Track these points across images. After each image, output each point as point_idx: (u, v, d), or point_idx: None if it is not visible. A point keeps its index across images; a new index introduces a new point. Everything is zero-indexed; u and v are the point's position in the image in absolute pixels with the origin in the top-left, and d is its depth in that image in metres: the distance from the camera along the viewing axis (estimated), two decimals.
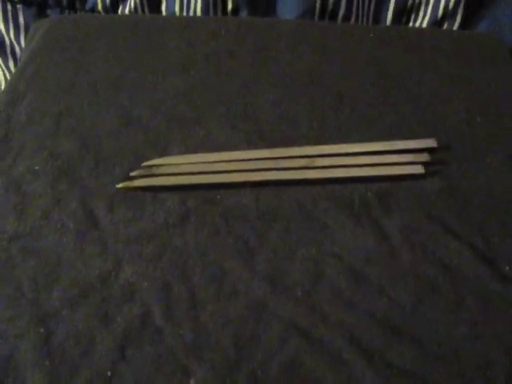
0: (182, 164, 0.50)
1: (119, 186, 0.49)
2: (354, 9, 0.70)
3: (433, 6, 0.69)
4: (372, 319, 0.41)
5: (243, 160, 0.49)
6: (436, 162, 0.51)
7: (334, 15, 0.70)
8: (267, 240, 0.46)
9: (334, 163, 0.49)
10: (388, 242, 0.46)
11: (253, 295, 0.43)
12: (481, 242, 0.46)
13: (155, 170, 0.49)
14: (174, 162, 0.50)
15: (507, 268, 0.44)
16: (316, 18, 0.70)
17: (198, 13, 0.70)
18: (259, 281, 0.43)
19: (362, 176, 0.49)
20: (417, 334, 0.41)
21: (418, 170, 0.49)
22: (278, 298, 0.42)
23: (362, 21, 0.71)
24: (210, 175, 0.49)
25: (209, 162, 0.50)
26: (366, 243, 0.46)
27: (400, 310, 0.42)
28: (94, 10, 0.75)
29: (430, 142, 0.51)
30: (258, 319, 0.41)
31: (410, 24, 0.71)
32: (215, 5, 0.70)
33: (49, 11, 0.76)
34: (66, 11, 0.75)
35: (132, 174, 0.49)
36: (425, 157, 0.50)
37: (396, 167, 0.49)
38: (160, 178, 0.49)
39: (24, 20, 0.75)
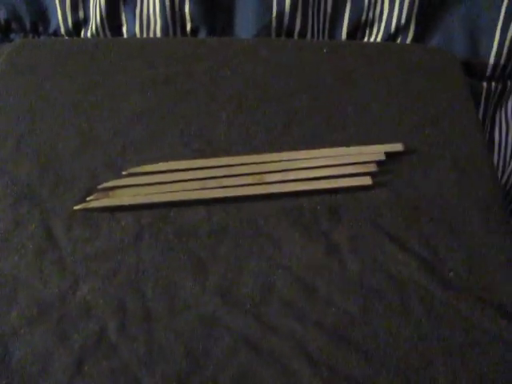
0: (137, 185, 0.51)
1: (77, 207, 0.50)
2: (310, 25, 0.71)
3: (386, 21, 0.71)
4: (320, 329, 0.43)
5: (195, 179, 0.51)
6: (384, 172, 0.52)
7: (290, 32, 0.72)
8: (218, 255, 0.47)
9: (284, 178, 0.50)
10: (336, 254, 0.47)
11: (204, 309, 0.44)
12: (426, 251, 0.47)
13: (110, 192, 0.50)
14: (129, 183, 0.51)
15: (450, 274, 0.46)
16: (273, 35, 0.71)
17: (158, 33, 0.72)
18: (210, 295, 0.44)
19: (311, 189, 0.51)
20: (363, 342, 0.42)
21: (366, 181, 0.51)
22: (228, 312, 0.43)
23: (318, 37, 0.73)
24: (163, 194, 0.50)
25: (162, 183, 0.51)
26: (315, 255, 0.47)
27: (348, 319, 0.43)
28: (56, 33, 0.76)
29: (379, 155, 0.53)
30: (209, 332, 0.43)
31: (365, 39, 0.73)
32: (174, 25, 0.71)
33: (12, 35, 0.77)
34: (30, 35, 0.77)
35: (88, 198, 0.50)
36: (373, 167, 0.52)
37: (344, 179, 0.51)
38: (115, 198, 0.50)
39: None
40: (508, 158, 0.82)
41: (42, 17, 0.75)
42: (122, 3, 0.72)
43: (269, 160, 0.52)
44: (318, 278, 0.46)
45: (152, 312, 0.44)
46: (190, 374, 0.40)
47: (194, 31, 0.72)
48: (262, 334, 0.42)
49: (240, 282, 0.45)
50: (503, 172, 0.81)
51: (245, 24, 0.71)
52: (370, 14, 0.71)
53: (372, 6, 0.71)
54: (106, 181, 0.52)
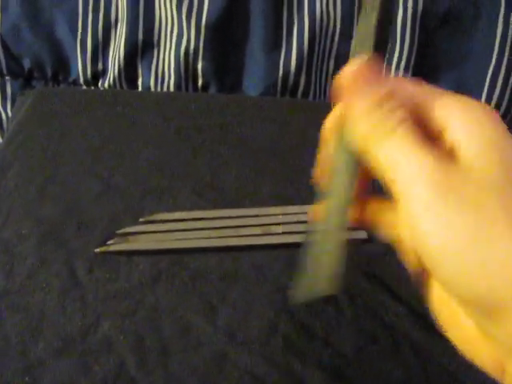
0: (154, 231, 0.55)
1: (98, 250, 0.53)
2: (312, 85, 0.77)
3: None
4: (318, 367, 0.46)
5: (208, 228, 0.55)
6: None
7: (294, 91, 0.77)
8: (228, 298, 0.51)
9: (288, 230, 0.55)
10: (334, 301, 0.51)
11: (215, 347, 0.47)
12: (415, 301, 0.52)
13: (130, 236, 0.54)
14: (147, 229, 0.55)
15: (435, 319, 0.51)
16: (278, 93, 0.77)
17: (171, 88, 0.76)
18: (220, 334, 0.48)
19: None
20: (357, 380, 0.46)
21: (362, 235, 0.56)
22: (236, 350, 0.47)
23: (320, 96, 0.78)
24: (178, 241, 0.54)
25: (177, 230, 0.55)
26: (314, 301, 0.51)
27: (343, 359, 0.47)
28: (75, 82, 0.81)
29: None
30: (219, 368, 0.46)
31: None
32: (187, 81, 0.76)
33: (34, 82, 0.82)
34: (50, 83, 0.81)
35: (109, 242, 0.54)
36: None
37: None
38: (133, 243, 0.54)
39: (11, 90, 0.81)
40: None
41: (63, 66, 0.79)
42: (139, 58, 0.76)
43: (274, 213, 0.56)
44: (317, 322, 0.49)
45: (168, 348, 0.47)
46: None
47: (205, 87, 0.77)
48: (266, 371, 0.46)
49: (247, 324, 0.49)
50: None
51: (252, 82, 0.76)
52: None
53: None
54: (125, 226, 0.55)
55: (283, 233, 0.55)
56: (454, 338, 0.28)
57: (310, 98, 0.77)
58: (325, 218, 0.33)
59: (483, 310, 0.24)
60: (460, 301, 0.25)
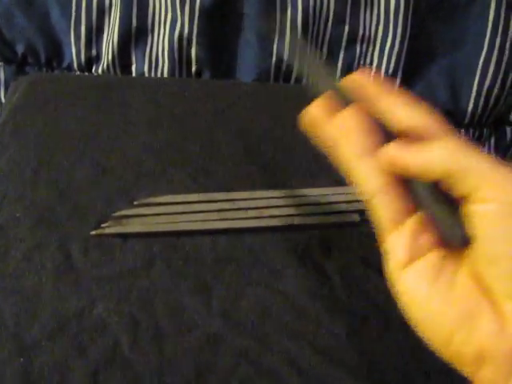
0: (148, 214, 0.55)
1: (93, 233, 0.54)
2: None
3: (375, 70, 0.77)
4: (311, 348, 0.47)
5: (201, 211, 0.56)
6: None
7: (287, 77, 0.77)
8: (222, 280, 0.51)
9: (280, 213, 0.55)
10: (327, 282, 0.52)
11: (209, 328, 0.48)
12: None
13: (124, 219, 0.55)
14: (141, 212, 0.55)
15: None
16: (272, 79, 0.77)
17: (165, 73, 0.77)
18: (215, 316, 0.49)
19: (306, 224, 0.56)
20: (350, 359, 0.47)
21: (354, 218, 0.56)
22: (230, 331, 0.48)
23: None
24: (172, 224, 0.54)
25: (171, 213, 0.55)
26: (308, 282, 0.51)
27: (336, 340, 0.48)
28: (69, 67, 0.81)
29: None
30: (213, 349, 0.47)
31: None
32: (181, 66, 0.77)
33: (27, 68, 0.82)
34: (44, 69, 0.81)
35: (103, 225, 0.54)
36: (360, 205, 0.56)
37: (334, 216, 0.56)
38: (128, 226, 0.54)
39: (5, 76, 0.81)
40: None
41: (56, 52, 0.79)
42: (133, 43, 0.77)
43: (267, 196, 0.57)
44: (310, 303, 0.50)
45: (162, 330, 0.48)
46: None
47: (199, 73, 0.77)
48: (260, 352, 0.47)
49: (241, 305, 0.50)
50: None
51: (246, 68, 0.76)
52: (362, 63, 0.77)
53: (363, 56, 0.77)
54: (120, 209, 0.56)
55: (275, 216, 0.56)
56: (426, 332, 0.34)
57: (303, 83, 0.77)
58: None
59: None
60: None
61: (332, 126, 0.38)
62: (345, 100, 0.38)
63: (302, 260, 0.53)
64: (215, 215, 0.55)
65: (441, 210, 0.34)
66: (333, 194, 0.57)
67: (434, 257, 0.34)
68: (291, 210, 0.56)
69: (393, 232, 0.35)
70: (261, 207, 0.56)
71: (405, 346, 0.48)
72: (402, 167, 0.34)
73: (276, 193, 0.57)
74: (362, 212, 0.56)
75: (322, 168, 0.61)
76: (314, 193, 0.58)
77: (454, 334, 0.32)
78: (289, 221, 0.55)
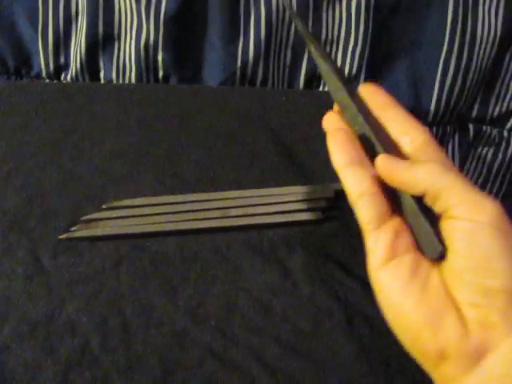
0: (116, 217, 0.57)
1: (62, 237, 0.55)
2: (270, 75, 0.79)
3: None
4: (276, 342, 0.49)
5: (168, 213, 0.57)
6: (333, 207, 0.58)
7: (253, 80, 0.79)
8: (188, 279, 0.52)
9: (245, 213, 0.57)
10: (291, 278, 0.53)
11: (176, 325, 0.49)
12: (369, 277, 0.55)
13: (92, 223, 0.56)
14: (109, 215, 0.56)
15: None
16: (237, 83, 0.78)
17: (133, 79, 0.78)
18: (181, 313, 0.50)
19: (270, 222, 0.57)
20: (314, 353, 0.48)
21: (318, 215, 0.58)
22: (196, 328, 0.49)
23: (278, 85, 0.80)
24: (140, 226, 0.56)
25: (139, 215, 0.57)
26: (272, 279, 0.53)
27: (300, 334, 0.49)
28: (38, 76, 0.81)
29: (329, 192, 0.60)
30: (180, 345, 0.48)
31: (320, 88, 0.81)
32: (148, 72, 0.78)
33: None
34: (13, 77, 0.82)
35: (72, 228, 0.55)
36: (323, 203, 0.58)
37: (298, 214, 0.57)
38: (96, 229, 0.55)
39: None
40: None
41: (25, 61, 0.80)
42: (100, 50, 0.78)
43: (233, 196, 0.58)
44: (274, 298, 0.51)
45: (130, 328, 0.49)
46: (163, 381, 0.46)
47: (166, 78, 0.78)
48: (226, 347, 0.48)
49: (207, 302, 0.51)
50: None
51: (212, 72, 0.77)
52: None
53: None
54: (88, 213, 0.57)
55: (240, 215, 0.57)
56: (397, 326, 0.38)
57: (268, 87, 0.78)
58: None
59: None
60: None
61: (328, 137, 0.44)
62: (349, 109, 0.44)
63: (266, 258, 0.55)
64: (182, 216, 0.57)
65: (421, 222, 0.38)
66: (296, 193, 0.59)
67: (410, 258, 0.38)
68: (255, 210, 0.57)
69: (374, 231, 0.39)
70: (226, 207, 0.58)
71: (367, 339, 0.50)
72: (390, 178, 0.39)
73: (241, 193, 0.59)
74: (324, 210, 0.58)
75: (286, 168, 0.63)
76: (277, 192, 0.59)
77: (422, 331, 0.36)
78: (253, 220, 0.57)
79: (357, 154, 0.42)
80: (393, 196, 0.40)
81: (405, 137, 0.42)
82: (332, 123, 0.46)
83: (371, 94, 0.45)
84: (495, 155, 0.88)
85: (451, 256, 0.36)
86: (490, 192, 0.92)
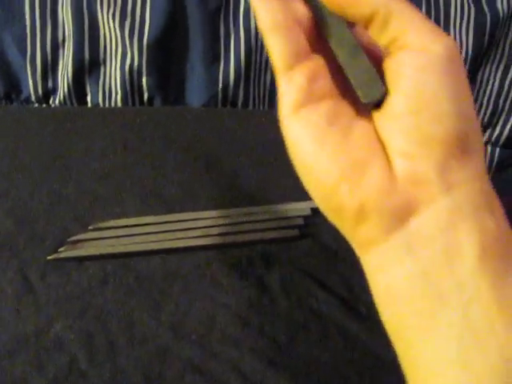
0: (102, 238, 0.59)
1: (50, 257, 0.57)
2: (251, 96, 0.81)
3: None
4: (254, 355, 0.51)
5: (151, 233, 0.60)
6: (309, 225, 0.61)
7: (234, 102, 0.81)
8: (170, 296, 0.55)
9: (226, 231, 0.59)
10: (268, 293, 0.56)
11: (159, 341, 0.52)
12: (344, 290, 0.57)
13: (79, 244, 0.59)
14: (95, 236, 0.59)
15: (363, 310, 0.56)
16: (219, 104, 0.81)
17: (119, 102, 0.80)
18: (164, 329, 0.53)
19: (248, 240, 0.60)
20: (290, 364, 0.51)
21: (295, 233, 0.60)
22: (178, 343, 0.52)
23: (259, 106, 0.83)
24: (125, 245, 0.58)
25: (124, 236, 0.59)
26: (250, 295, 0.55)
27: (277, 347, 0.52)
28: (28, 100, 0.84)
29: (305, 210, 0.62)
30: (163, 360, 0.51)
31: None
32: (133, 95, 0.80)
33: None
34: (3, 101, 0.84)
35: (60, 249, 0.58)
36: (300, 221, 0.61)
37: (275, 232, 0.60)
38: (83, 249, 0.58)
39: None
40: None
41: (14, 86, 0.83)
42: (86, 75, 0.80)
43: (213, 216, 0.61)
44: (252, 313, 0.54)
45: (116, 344, 0.52)
46: None
47: (150, 100, 0.81)
48: (206, 360, 0.51)
49: (188, 318, 0.54)
50: None
51: (195, 94, 0.80)
52: None
53: None
54: (75, 234, 0.60)
55: (220, 234, 0.60)
56: (310, 182, 0.33)
57: (249, 108, 0.81)
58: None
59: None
60: None
61: None
62: None
63: (244, 274, 0.57)
64: (164, 236, 0.59)
65: (360, 60, 0.33)
66: (274, 211, 0.61)
67: (329, 104, 0.33)
68: (235, 228, 0.60)
69: (287, 72, 0.33)
70: (207, 226, 0.60)
71: (342, 350, 0.53)
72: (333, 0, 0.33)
73: (221, 212, 0.61)
74: (301, 227, 0.61)
75: (265, 187, 0.65)
76: (256, 210, 0.62)
77: (340, 184, 0.31)
78: (232, 238, 0.59)
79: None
80: (322, 34, 0.35)
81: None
82: None
83: None
84: None
85: (392, 99, 0.32)
86: None
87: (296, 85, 0.32)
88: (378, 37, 0.32)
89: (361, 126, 0.33)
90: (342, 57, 0.34)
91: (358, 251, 0.33)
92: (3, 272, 0.57)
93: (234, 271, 0.57)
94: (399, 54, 0.31)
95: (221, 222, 0.61)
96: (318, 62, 0.34)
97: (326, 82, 0.33)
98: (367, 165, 0.31)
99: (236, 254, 0.59)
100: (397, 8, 0.31)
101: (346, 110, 0.33)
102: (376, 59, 0.34)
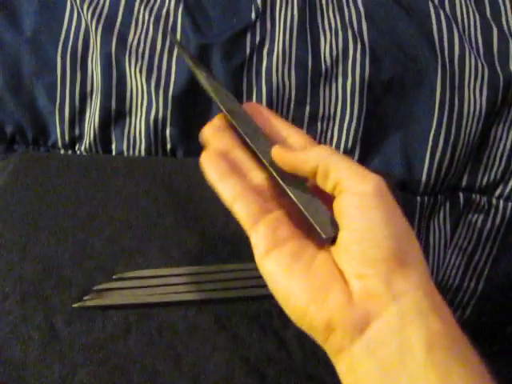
0: (125, 288, 0.61)
1: (75, 305, 0.59)
2: None
3: (335, 145, 0.84)
4: None
5: (173, 284, 0.62)
6: None
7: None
8: (191, 347, 0.57)
9: (245, 285, 0.61)
10: (285, 347, 0.57)
11: None
12: None
13: (104, 292, 0.61)
14: (119, 286, 0.61)
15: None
16: None
17: (143, 152, 0.83)
18: (184, 380, 0.54)
19: (266, 294, 0.61)
20: None
21: None
22: None
23: None
24: (147, 296, 0.60)
25: (146, 286, 0.61)
26: (267, 348, 0.57)
27: None
28: (54, 146, 0.87)
29: None
30: None
31: None
32: (156, 145, 0.83)
33: (16, 146, 0.88)
34: (31, 147, 0.87)
35: (85, 297, 0.60)
36: None
37: None
38: (107, 299, 0.60)
39: None
40: (442, 255, 0.94)
41: (42, 132, 0.86)
42: (112, 124, 0.83)
43: (234, 269, 0.63)
44: (269, 366, 0.56)
45: None
46: None
47: (173, 151, 0.84)
48: None
49: (208, 370, 0.55)
50: (437, 271, 0.93)
51: None
52: (322, 139, 0.84)
53: (324, 132, 0.84)
54: (100, 283, 0.62)
55: (241, 287, 0.62)
56: (286, 308, 0.42)
57: None
58: None
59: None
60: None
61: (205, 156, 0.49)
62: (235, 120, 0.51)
63: (262, 328, 0.59)
64: (186, 288, 0.61)
65: (312, 206, 0.43)
66: None
67: (293, 245, 0.42)
68: (254, 282, 0.62)
69: (253, 227, 0.44)
70: (227, 279, 0.62)
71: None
72: (285, 162, 0.44)
73: (240, 266, 0.63)
74: None
75: None
76: None
77: (308, 307, 0.39)
78: (251, 292, 0.61)
79: (229, 165, 0.48)
80: (281, 192, 0.46)
81: (289, 138, 0.48)
82: (211, 134, 0.52)
83: (255, 111, 0.52)
84: (485, 221, 0.93)
85: (340, 233, 0.40)
86: (481, 255, 0.96)
87: (261, 236, 0.43)
88: (324, 185, 0.42)
89: (322, 257, 0.41)
90: (301, 204, 0.43)
91: (331, 358, 0.41)
92: (30, 318, 0.59)
93: (253, 325, 0.59)
94: (340, 197, 0.40)
95: (240, 275, 0.63)
96: (277, 214, 0.44)
97: (287, 228, 0.43)
98: (329, 288, 0.39)
99: (254, 307, 0.60)
100: (332, 161, 0.41)
101: (308, 246, 0.42)
102: (328, 202, 0.43)
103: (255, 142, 0.49)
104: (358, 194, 0.39)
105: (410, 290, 0.37)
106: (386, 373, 0.36)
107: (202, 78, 0.55)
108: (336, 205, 0.41)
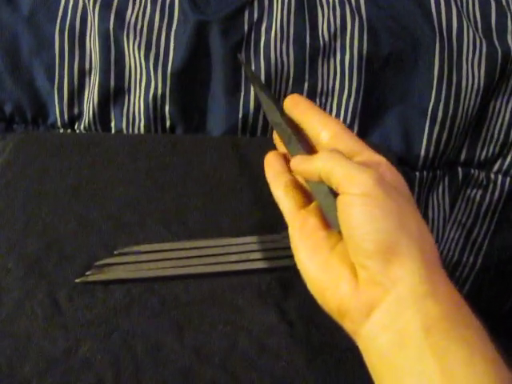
0: (127, 262, 0.62)
1: (77, 280, 0.60)
2: (270, 125, 0.84)
3: None
4: (272, 378, 0.53)
5: (174, 258, 0.62)
6: None
7: (254, 130, 0.84)
8: (193, 321, 0.57)
9: (246, 258, 0.62)
10: (286, 318, 0.58)
11: (182, 363, 0.54)
12: None
13: (105, 267, 0.61)
14: (120, 260, 0.61)
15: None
16: (239, 133, 0.84)
17: (142, 129, 0.83)
18: (187, 352, 0.55)
19: (268, 267, 0.62)
20: None
21: None
22: (201, 365, 0.54)
23: None
24: (149, 270, 0.61)
25: (148, 261, 0.62)
26: (269, 319, 0.58)
27: (294, 370, 0.54)
28: (54, 125, 0.87)
29: None
30: (186, 381, 0.53)
31: None
32: (156, 123, 0.83)
33: (15, 126, 0.88)
34: (30, 126, 0.88)
35: (87, 273, 0.60)
36: None
37: (293, 259, 0.62)
38: (109, 273, 0.61)
39: None
40: (441, 230, 0.95)
41: (41, 111, 0.86)
42: (111, 103, 0.83)
43: (234, 243, 0.63)
44: (271, 337, 0.56)
45: (141, 365, 0.54)
46: None
47: (172, 128, 0.84)
48: (227, 382, 0.53)
49: (210, 342, 0.56)
50: (437, 246, 0.93)
51: (216, 123, 0.82)
52: None
53: (323, 107, 0.85)
54: (102, 258, 0.62)
55: (241, 261, 0.62)
56: (311, 289, 0.47)
57: (268, 136, 0.84)
58: None
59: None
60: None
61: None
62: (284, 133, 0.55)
63: (263, 300, 0.59)
64: (187, 262, 0.62)
65: (327, 204, 0.47)
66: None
67: (317, 237, 0.47)
68: (255, 255, 0.62)
69: (293, 218, 0.50)
70: (228, 253, 0.63)
71: (359, 376, 0.55)
72: (300, 172, 0.49)
73: (241, 239, 0.64)
74: None
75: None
76: (275, 238, 0.64)
77: (325, 291, 0.44)
78: (252, 265, 0.62)
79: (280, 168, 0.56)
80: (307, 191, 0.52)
81: (323, 131, 0.50)
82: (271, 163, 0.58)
83: (294, 103, 0.55)
84: (483, 196, 0.93)
85: (345, 226, 0.43)
86: (480, 230, 0.97)
87: (296, 228, 0.49)
88: (332, 187, 0.45)
89: (340, 246, 0.45)
90: (319, 200, 0.49)
91: (352, 337, 0.44)
92: (33, 294, 0.59)
93: (254, 297, 0.59)
94: (340, 197, 0.43)
95: (241, 249, 0.63)
96: (311, 207, 0.50)
97: (316, 220, 0.48)
98: (341, 276, 0.43)
99: (255, 280, 0.61)
100: (332, 166, 0.44)
101: (332, 235, 0.47)
102: None
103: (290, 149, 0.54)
104: (349, 195, 0.42)
105: (406, 277, 0.40)
106: (386, 357, 0.39)
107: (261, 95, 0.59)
108: (338, 203, 0.44)
